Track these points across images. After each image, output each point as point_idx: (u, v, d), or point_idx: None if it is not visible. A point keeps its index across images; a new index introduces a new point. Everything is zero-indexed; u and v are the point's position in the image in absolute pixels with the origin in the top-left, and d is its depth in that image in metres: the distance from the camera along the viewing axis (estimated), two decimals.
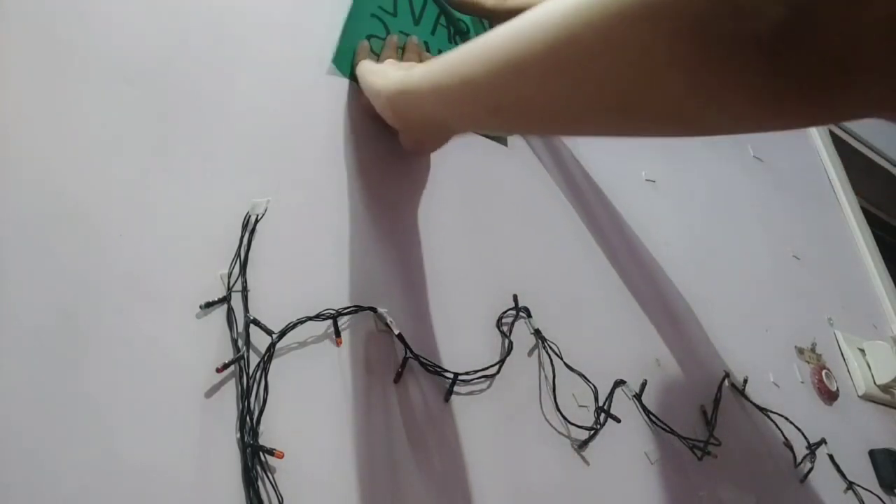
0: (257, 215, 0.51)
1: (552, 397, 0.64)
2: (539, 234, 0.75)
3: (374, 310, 0.56)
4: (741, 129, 0.38)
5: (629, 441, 0.69)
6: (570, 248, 0.77)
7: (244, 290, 0.49)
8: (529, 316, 0.67)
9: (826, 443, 0.89)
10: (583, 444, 0.64)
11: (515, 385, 0.63)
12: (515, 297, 0.67)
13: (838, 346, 1.09)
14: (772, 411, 0.85)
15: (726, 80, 0.30)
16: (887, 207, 1.76)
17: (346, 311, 0.54)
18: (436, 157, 0.69)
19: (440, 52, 0.74)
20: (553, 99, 0.40)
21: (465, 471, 0.55)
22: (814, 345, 1.03)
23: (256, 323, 0.48)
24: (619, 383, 0.71)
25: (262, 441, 0.45)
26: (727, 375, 0.83)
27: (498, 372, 0.61)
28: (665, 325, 0.81)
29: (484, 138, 0.75)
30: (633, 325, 0.78)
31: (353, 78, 0.65)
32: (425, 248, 0.63)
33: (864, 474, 0.94)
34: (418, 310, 0.59)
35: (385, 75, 0.57)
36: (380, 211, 0.62)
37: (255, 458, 0.44)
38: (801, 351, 1.00)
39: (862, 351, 1.10)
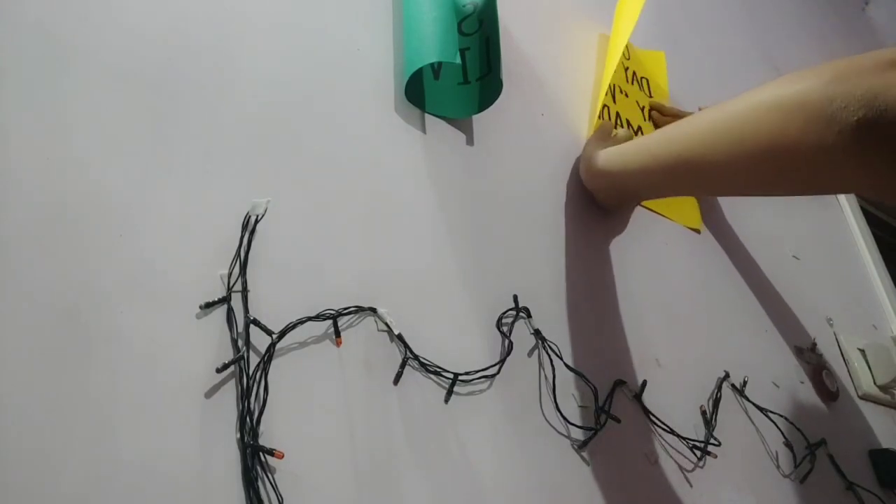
0: (257, 215, 0.51)
1: (552, 397, 0.64)
2: (539, 234, 0.75)
3: (374, 310, 0.56)
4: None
5: (629, 441, 0.69)
6: (570, 248, 0.77)
7: (244, 291, 0.49)
8: (529, 316, 0.67)
9: (826, 443, 0.89)
10: (583, 445, 0.64)
11: (515, 385, 0.63)
12: (515, 298, 0.67)
13: (838, 346, 1.09)
14: (772, 411, 0.85)
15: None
16: (887, 207, 1.76)
17: (346, 311, 0.54)
18: (435, 159, 0.69)
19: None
20: (735, 183, 0.62)
21: (465, 471, 0.55)
22: (814, 345, 1.03)
23: (256, 323, 0.48)
24: (619, 383, 0.71)
25: (262, 441, 0.45)
26: (727, 375, 0.83)
27: (498, 372, 0.61)
28: (665, 325, 0.81)
29: (477, 138, 0.75)
30: (633, 325, 0.78)
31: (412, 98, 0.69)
32: (426, 248, 0.63)
33: (864, 474, 0.94)
34: (418, 310, 0.59)
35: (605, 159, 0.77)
36: (380, 210, 0.62)
37: (255, 458, 0.44)
38: (800, 351, 1.00)
39: (862, 351, 1.10)
